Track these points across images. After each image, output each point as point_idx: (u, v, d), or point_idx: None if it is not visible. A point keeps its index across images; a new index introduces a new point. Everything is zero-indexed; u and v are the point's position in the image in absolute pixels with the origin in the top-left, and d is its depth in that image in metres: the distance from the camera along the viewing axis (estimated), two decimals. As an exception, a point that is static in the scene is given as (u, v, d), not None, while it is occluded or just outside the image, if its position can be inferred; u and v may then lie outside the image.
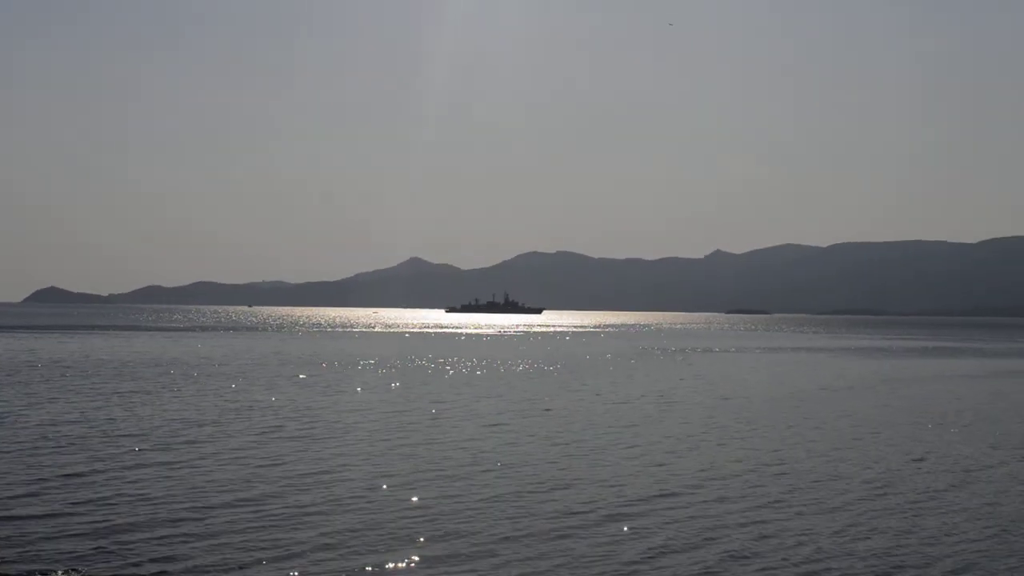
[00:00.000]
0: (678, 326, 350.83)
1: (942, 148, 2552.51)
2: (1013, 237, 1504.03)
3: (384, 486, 32.51)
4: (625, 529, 27.32)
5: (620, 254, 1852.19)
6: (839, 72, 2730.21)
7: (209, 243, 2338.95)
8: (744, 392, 70.78)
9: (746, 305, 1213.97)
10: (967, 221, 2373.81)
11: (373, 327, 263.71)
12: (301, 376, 79.22)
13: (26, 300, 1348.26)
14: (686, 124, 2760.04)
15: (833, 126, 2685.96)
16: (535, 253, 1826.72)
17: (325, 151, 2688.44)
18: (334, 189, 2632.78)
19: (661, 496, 31.69)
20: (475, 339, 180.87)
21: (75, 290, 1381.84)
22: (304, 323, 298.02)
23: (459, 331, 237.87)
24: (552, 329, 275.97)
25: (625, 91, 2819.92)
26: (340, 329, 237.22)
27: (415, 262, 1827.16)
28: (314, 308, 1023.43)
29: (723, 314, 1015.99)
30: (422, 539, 25.80)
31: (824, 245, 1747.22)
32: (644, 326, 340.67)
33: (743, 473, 36.04)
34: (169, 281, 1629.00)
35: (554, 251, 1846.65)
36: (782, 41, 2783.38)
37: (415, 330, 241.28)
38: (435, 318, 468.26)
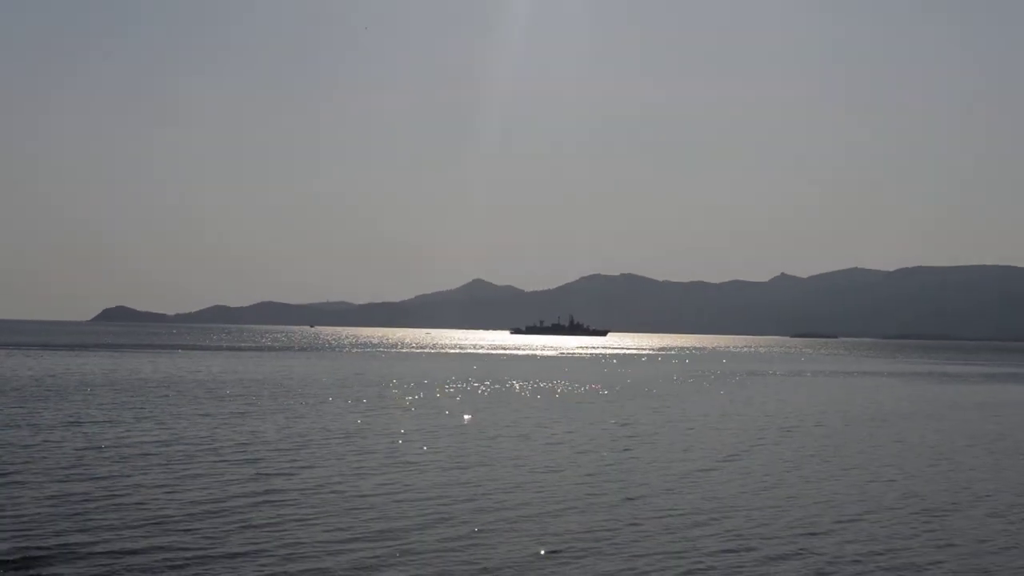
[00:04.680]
0: (745, 349, 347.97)
1: (1010, 169, 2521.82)
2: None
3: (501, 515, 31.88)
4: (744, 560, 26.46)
5: (684, 277, 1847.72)
6: (906, 94, 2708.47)
7: (274, 264, 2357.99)
8: (832, 416, 69.47)
9: (811, 329, 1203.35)
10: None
11: (446, 349, 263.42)
12: (383, 397, 78.87)
13: (95, 319, 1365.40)
14: (751, 146, 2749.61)
15: (899, 148, 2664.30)
16: (598, 275, 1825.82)
17: (388, 173, 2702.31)
18: (397, 211, 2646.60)
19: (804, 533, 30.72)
20: (546, 360, 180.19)
21: (142, 309, 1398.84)
22: (370, 344, 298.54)
23: (528, 353, 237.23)
24: (619, 351, 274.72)
25: (688, 112, 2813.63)
26: (408, 350, 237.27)
27: (478, 284, 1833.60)
28: (376, 328, 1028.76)
29: (789, 337, 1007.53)
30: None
31: (890, 269, 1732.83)
32: (711, 349, 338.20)
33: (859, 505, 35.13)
34: (234, 301, 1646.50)
35: (617, 273, 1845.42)
36: (850, 63, 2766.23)
37: (484, 351, 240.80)
38: (501, 340, 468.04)
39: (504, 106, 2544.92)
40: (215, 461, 40.84)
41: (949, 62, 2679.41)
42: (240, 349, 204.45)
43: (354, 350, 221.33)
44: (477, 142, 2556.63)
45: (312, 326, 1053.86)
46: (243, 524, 28.97)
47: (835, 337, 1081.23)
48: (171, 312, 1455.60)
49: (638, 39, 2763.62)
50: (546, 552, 26.61)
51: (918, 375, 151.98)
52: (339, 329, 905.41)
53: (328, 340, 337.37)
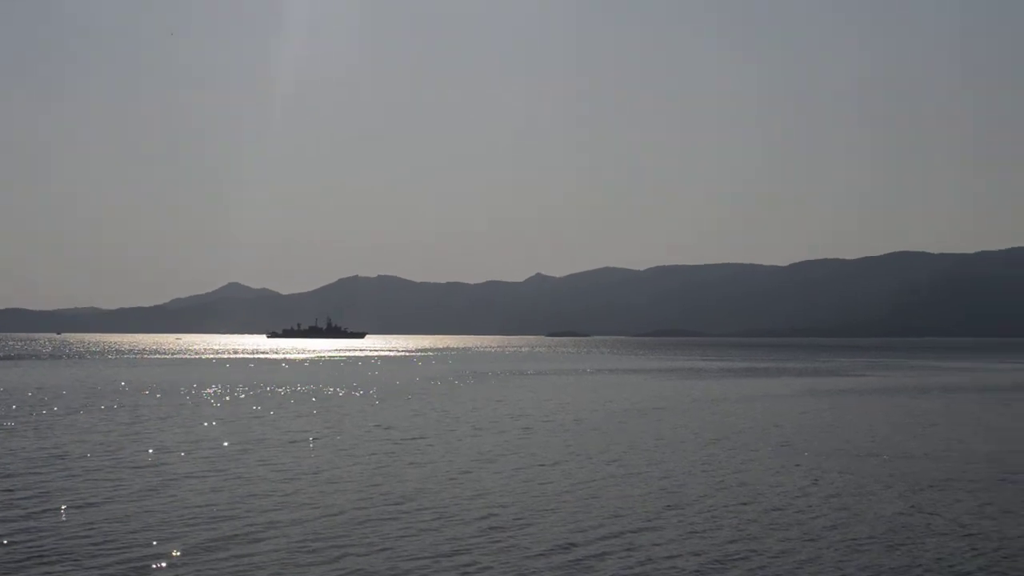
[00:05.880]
0: (503, 349, 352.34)
1: (755, 173, 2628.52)
2: (822, 260, 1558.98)
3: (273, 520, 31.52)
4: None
5: (442, 278, 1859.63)
6: (658, 94, 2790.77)
7: (17, 269, 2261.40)
8: (586, 413, 71.03)
9: (566, 327, 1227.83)
10: (779, 245, 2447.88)
11: (201, 354, 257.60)
12: (137, 407, 76.69)
13: None
14: (506, 148, 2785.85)
15: (650, 150, 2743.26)
16: (356, 277, 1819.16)
17: (143, 174, 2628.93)
18: (150, 213, 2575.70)
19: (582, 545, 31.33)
20: (305, 364, 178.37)
21: None
22: (121, 350, 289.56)
23: (286, 357, 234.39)
24: (378, 353, 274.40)
25: (444, 115, 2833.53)
26: (161, 356, 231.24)
27: (233, 287, 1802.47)
28: (128, 335, 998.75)
29: (545, 336, 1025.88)
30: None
31: (642, 268, 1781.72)
32: (470, 349, 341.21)
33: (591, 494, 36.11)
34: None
35: (375, 275, 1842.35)
36: (601, 64, 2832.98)
37: (241, 356, 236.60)
38: (258, 344, 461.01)
39: (264, 109, 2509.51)
40: (-38, 479, 38.86)
41: (697, 65, 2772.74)
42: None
43: (106, 357, 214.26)
44: (237, 143, 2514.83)
45: (59, 333, 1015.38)
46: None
47: (589, 336, 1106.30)
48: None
49: (403, 43, 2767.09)
50: (327, 561, 26.38)
51: (671, 371, 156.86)
52: (88, 336, 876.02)
53: (76, 347, 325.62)
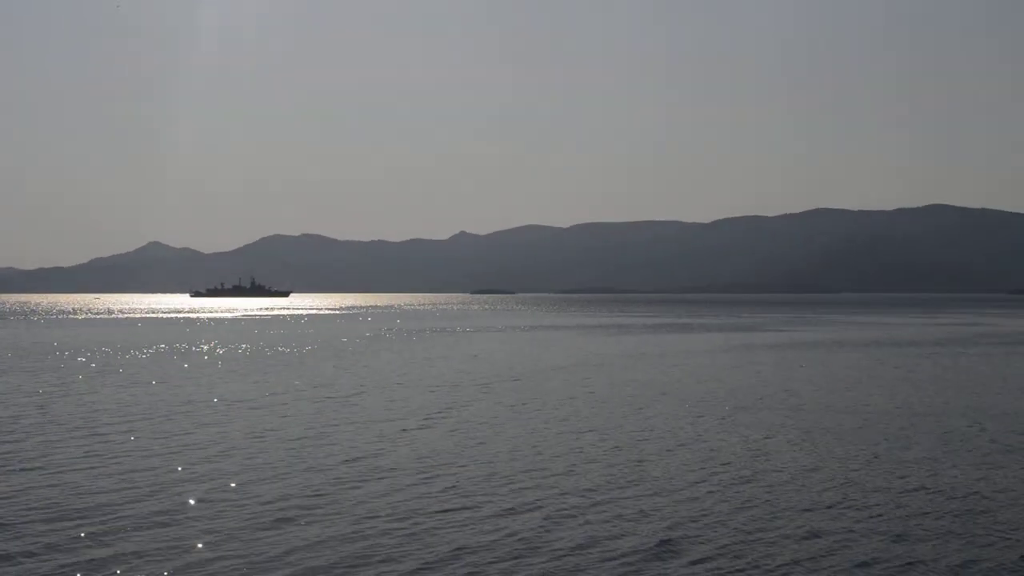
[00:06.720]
0: (432, 307, 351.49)
1: (677, 131, 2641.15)
2: (742, 217, 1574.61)
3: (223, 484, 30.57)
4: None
5: (365, 236, 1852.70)
6: (574, 51, 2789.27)
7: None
8: (522, 370, 70.70)
9: (490, 285, 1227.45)
10: (701, 202, 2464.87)
11: (124, 314, 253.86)
12: (62, 368, 75.07)
13: None
14: (430, 107, 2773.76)
15: (574, 110, 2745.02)
16: (279, 236, 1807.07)
17: (62, 133, 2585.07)
18: (68, 171, 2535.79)
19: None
20: (230, 323, 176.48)
21: None
22: (40, 311, 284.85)
23: (210, 316, 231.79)
24: (304, 312, 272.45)
25: (370, 75, 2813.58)
26: (83, 317, 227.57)
27: (155, 246, 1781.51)
28: (47, 295, 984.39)
29: (469, 294, 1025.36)
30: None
31: (565, 226, 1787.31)
32: (395, 307, 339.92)
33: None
34: None
35: (298, 233, 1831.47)
36: (523, 21, 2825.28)
37: (164, 316, 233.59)
38: (181, 303, 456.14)
39: (186, 67, 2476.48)
40: None
41: (612, 22, 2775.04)
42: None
43: (27, 317, 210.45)
44: (158, 102, 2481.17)
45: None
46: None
47: (514, 293, 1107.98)
48: None
49: (325, 2, 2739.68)
50: (273, 520, 25.46)
51: (599, 327, 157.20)
52: (6, 296, 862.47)
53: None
